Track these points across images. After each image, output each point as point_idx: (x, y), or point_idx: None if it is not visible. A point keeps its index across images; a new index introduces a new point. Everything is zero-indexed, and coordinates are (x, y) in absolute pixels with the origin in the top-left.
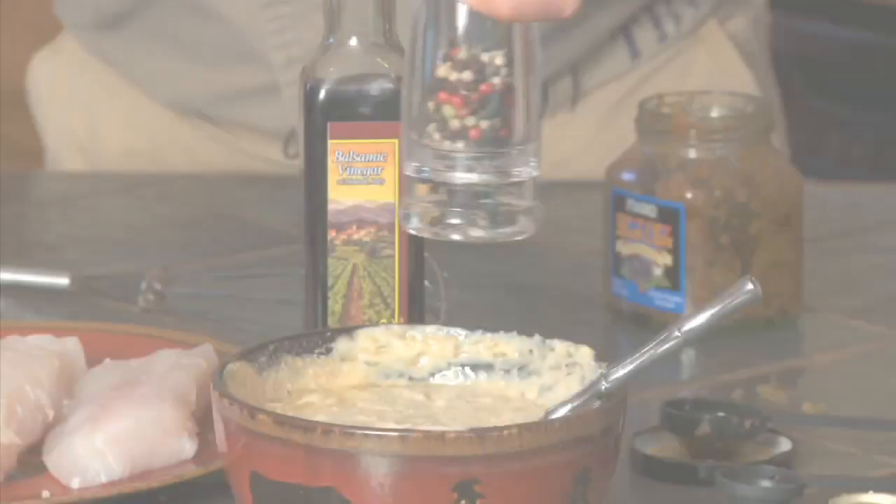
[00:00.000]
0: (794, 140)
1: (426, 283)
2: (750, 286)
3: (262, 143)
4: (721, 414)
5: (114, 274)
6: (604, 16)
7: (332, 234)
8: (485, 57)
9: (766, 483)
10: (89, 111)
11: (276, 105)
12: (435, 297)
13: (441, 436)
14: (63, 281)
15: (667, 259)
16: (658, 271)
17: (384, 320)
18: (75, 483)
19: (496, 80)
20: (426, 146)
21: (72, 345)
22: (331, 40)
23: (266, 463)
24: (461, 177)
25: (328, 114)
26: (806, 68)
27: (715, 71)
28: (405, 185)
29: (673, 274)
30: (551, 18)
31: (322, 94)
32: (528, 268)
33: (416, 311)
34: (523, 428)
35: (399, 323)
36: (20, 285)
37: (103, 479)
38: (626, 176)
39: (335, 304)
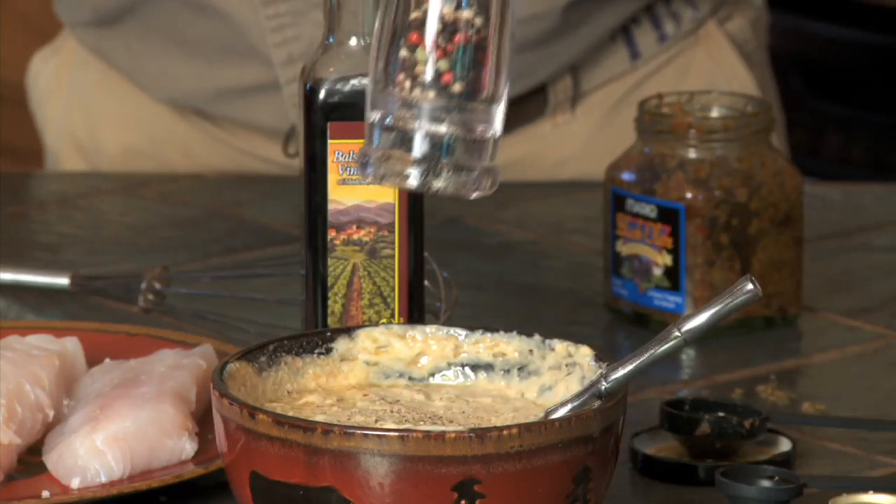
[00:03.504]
0: (794, 140)
1: (426, 283)
2: (750, 286)
3: (261, 143)
4: (721, 414)
5: (114, 274)
6: (604, 16)
7: (332, 234)
8: (461, 10)
9: (766, 483)
10: (89, 110)
11: (275, 102)
12: (435, 297)
13: (441, 436)
14: (63, 281)
15: (667, 259)
16: (658, 271)
17: (384, 320)
18: (75, 483)
19: (470, 32)
20: (393, 94)
21: (72, 345)
22: (331, 40)
23: (266, 463)
24: (426, 126)
25: (328, 114)
26: (805, 68)
27: (714, 71)
28: (366, 134)
29: (673, 274)
30: None
31: (322, 94)
32: (528, 268)
33: (416, 311)
34: (523, 428)
35: (399, 323)
36: (20, 285)
37: (103, 479)
38: (626, 176)
39: (335, 304)
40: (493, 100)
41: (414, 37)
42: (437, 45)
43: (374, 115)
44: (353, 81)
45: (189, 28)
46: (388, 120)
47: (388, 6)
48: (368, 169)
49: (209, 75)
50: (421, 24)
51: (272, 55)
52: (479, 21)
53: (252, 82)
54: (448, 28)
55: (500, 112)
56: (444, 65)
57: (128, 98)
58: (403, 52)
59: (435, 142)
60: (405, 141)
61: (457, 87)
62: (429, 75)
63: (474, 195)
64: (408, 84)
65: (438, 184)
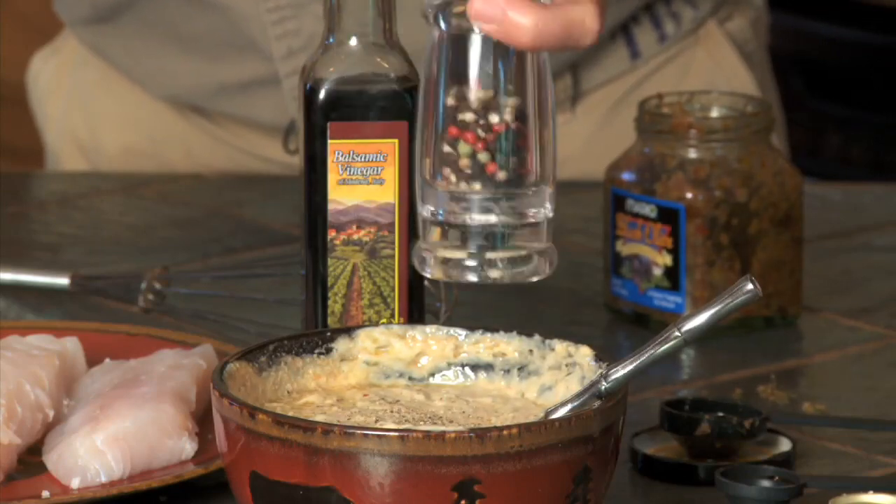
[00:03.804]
0: (794, 140)
1: (426, 283)
2: (750, 286)
3: (262, 142)
4: (721, 414)
5: (114, 274)
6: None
7: (332, 234)
8: (497, 96)
9: (766, 483)
10: (89, 110)
11: (274, 97)
12: (435, 297)
13: (441, 436)
14: (63, 281)
15: (667, 259)
16: (658, 271)
17: (384, 320)
18: (75, 483)
19: (509, 119)
20: (440, 188)
21: (72, 345)
22: (331, 40)
23: (266, 463)
24: (477, 218)
25: (328, 114)
26: (805, 68)
27: (714, 71)
28: (419, 229)
29: (673, 274)
30: (570, 48)
31: (322, 94)
32: None
33: (416, 311)
34: (523, 428)
35: (399, 323)
36: (20, 285)
37: (103, 479)
38: (626, 176)
39: (335, 304)
40: (541, 182)
41: (453, 130)
42: (477, 137)
43: (424, 211)
44: (353, 82)
45: (187, 23)
46: (439, 215)
47: (425, 99)
48: (426, 267)
49: (208, 71)
50: (459, 117)
51: (272, 48)
52: (517, 107)
53: (251, 77)
54: (486, 118)
55: (550, 192)
56: (485, 156)
57: (128, 97)
58: (445, 147)
59: (487, 233)
60: (458, 235)
61: (502, 176)
62: (473, 168)
63: (532, 279)
64: (453, 178)
65: (495, 274)
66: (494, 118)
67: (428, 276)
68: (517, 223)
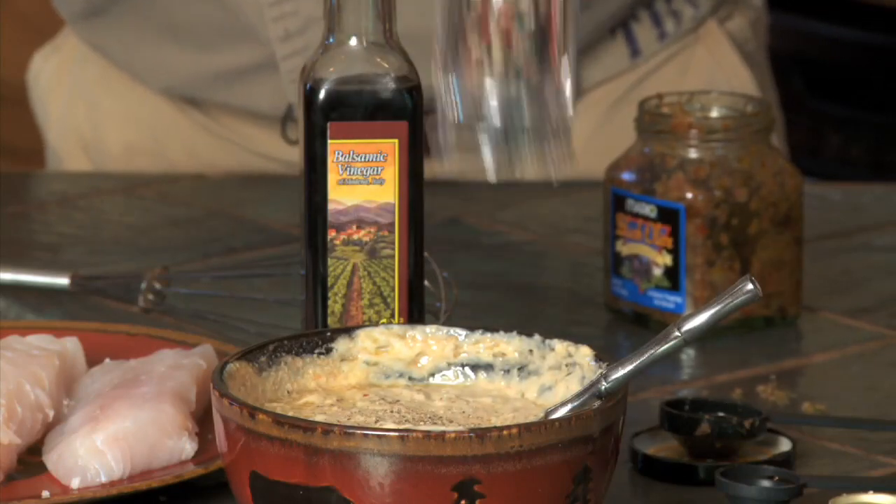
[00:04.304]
0: (794, 140)
1: (426, 283)
2: (750, 286)
3: (261, 135)
4: (721, 414)
5: (114, 274)
6: (602, 7)
7: (332, 234)
8: None
9: (765, 483)
10: (90, 108)
11: (272, 83)
12: (435, 297)
13: (441, 436)
14: (63, 281)
15: (667, 259)
16: (658, 271)
17: (384, 320)
18: (75, 483)
19: (530, 17)
20: (464, 86)
21: (72, 345)
22: (331, 40)
23: (266, 463)
24: (499, 116)
25: (328, 114)
26: (805, 68)
27: (714, 70)
28: (440, 120)
29: (673, 274)
30: None
31: (322, 94)
32: (528, 268)
33: (416, 311)
34: (523, 428)
35: (399, 323)
36: (20, 285)
37: (103, 479)
38: (626, 176)
39: (335, 304)
40: (562, 80)
41: (479, 26)
42: (500, 34)
43: (447, 109)
44: (353, 82)
45: (182, 11)
46: (459, 113)
47: None
48: (446, 159)
49: (204, 59)
50: (484, 13)
51: (269, 31)
52: (542, 4)
53: (247, 64)
54: (511, 14)
55: (570, 92)
56: (508, 53)
57: (129, 95)
58: (467, 43)
59: (509, 132)
60: (479, 134)
61: (525, 74)
62: (496, 65)
63: (554, 179)
64: (477, 75)
65: (517, 173)
66: (519, 15)
67: (446, 167)
68: (539, 122)
